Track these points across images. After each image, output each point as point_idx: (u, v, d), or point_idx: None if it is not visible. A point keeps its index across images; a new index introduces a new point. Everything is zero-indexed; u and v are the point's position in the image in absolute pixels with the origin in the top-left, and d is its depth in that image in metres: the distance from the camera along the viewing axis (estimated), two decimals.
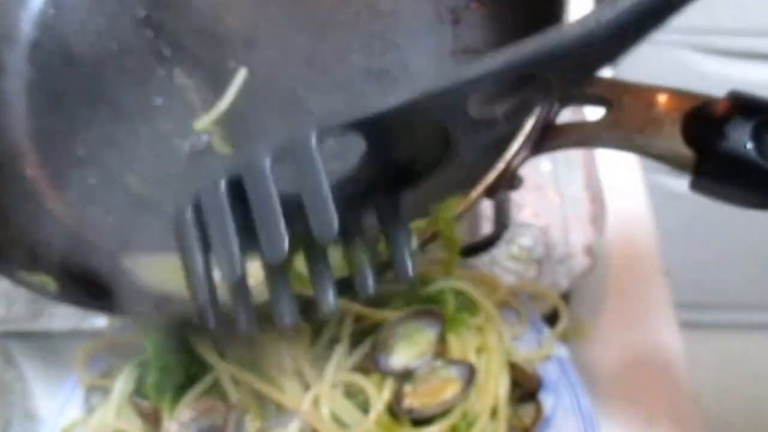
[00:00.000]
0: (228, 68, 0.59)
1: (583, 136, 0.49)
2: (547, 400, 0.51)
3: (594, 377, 0.51)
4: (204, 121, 0.57)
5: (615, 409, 0.55)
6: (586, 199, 0.69)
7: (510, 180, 0.48)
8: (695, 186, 0.47)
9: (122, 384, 0.50)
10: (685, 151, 0.46)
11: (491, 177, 0.46)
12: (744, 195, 0.46)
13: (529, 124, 0.45)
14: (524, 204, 0.68)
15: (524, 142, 0.46)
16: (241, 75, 0.59)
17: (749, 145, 0.44)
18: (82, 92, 0.59)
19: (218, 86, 0.59)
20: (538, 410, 0.50)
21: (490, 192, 0.47)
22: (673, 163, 0.47)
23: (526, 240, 0.65)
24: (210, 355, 0.49)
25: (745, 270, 1.60)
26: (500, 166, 0.46)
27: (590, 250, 0.63)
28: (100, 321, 0.61)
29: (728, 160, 0.45)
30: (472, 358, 0.49)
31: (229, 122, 0.58)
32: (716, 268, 1.60)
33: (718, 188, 0.46)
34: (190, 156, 0.57)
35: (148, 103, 0.59)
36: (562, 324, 0.56)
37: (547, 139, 0.48)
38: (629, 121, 0.47)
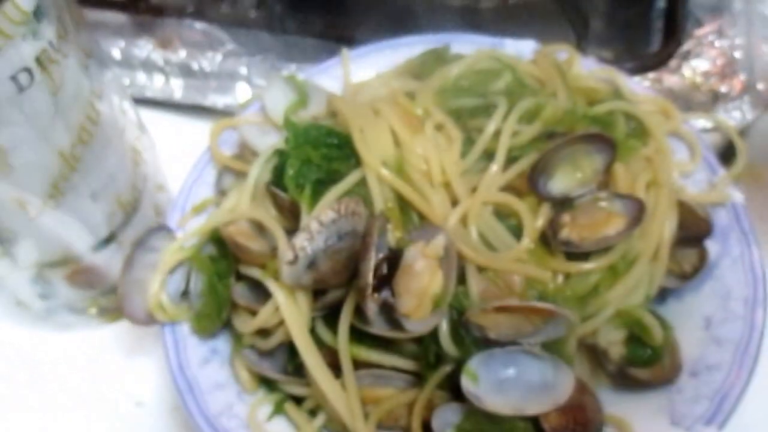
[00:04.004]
0: None
1: None
2: (712, 247, 0.46)
3: None
4: None
5: None
6: None
7: None
8: None
9: (257, 170, 0.47)
10: None
11: None
12: None
13: None
14: (704, 19, 0.60)
15: None
16: None
17: None
18: None
19: None
20: (702, 257, 0.46)
21: None
22: None
23: (702, 62, 0.58)
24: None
25: None
26: None
27: None
28: (231, 98, 0.58)
29: None
30: (641, 193, 0.44)
31: None
32: None
33: None
34: None
35: None
36: (740, 163, 0.50)
37: None
38: None
